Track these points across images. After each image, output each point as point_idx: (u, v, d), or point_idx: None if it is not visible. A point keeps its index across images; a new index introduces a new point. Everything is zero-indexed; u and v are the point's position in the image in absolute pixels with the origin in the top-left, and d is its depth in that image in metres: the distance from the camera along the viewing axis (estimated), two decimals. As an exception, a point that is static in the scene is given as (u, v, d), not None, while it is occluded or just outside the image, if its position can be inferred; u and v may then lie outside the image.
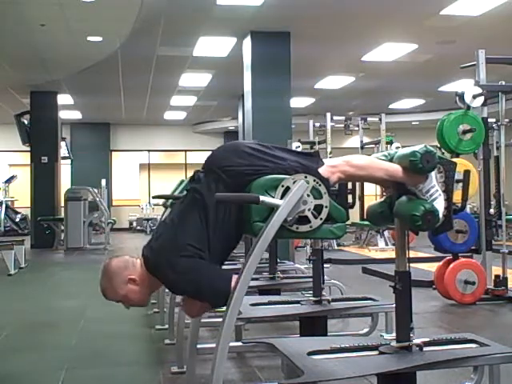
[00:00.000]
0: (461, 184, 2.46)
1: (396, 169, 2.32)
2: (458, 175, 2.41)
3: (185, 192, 2.44)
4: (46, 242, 11.86)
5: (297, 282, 4.72)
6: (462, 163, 4.68)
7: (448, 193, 2.31)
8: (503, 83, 5.64)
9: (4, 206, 15.70)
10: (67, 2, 6.73)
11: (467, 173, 2.46)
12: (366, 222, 9.70)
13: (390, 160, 2.40)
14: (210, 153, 2.35)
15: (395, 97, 13.89)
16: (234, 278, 2.14)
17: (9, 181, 16.33)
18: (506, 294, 5.38)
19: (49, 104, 12.48)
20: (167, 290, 4.23)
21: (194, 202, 2.27)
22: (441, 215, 2.26)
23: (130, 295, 2.35)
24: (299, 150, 9.25)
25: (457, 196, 2.41)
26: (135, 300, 2.37)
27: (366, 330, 3.89)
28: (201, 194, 2.25)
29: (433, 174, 2.30)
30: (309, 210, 2.10)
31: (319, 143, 11.16)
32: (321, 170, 2.24)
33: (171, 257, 2.18)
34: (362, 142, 11.64)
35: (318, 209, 2.12)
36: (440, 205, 2.27)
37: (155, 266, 2.23)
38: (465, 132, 5.20)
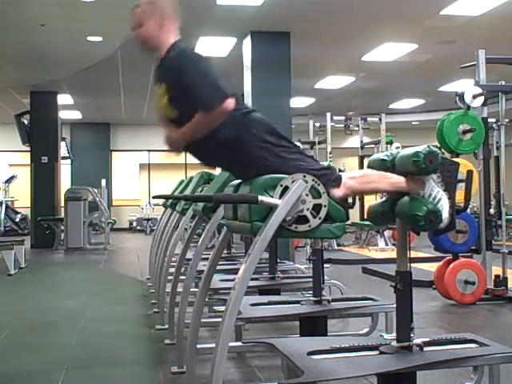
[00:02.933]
0: (463, 184, 2.46)
1: (399, 180, 2.34)
2: (461, 175, 2.42)
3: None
4: (46, 241, 11.85)
5: (297, 281, 4.72)
6: (462, 163, 4.67)
7: (449, 192, 2.31)
8: (503, 83, 5.64)
9: (4, 206, 15.70)
10: (67, 1, 6.73)
11: (470, 173, 2.46)
12: (366, 222, 9.72)
13: (392, 160, 2.41)
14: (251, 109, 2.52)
15: (395, 97, 13.88)
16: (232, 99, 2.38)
17: (9, 181, 16.32)
18: (506, 294, 5.38)
19: (49, 104, 12.47)
20: (167, 291, 4.23)
21: None
22: (447, 214, 2.26)
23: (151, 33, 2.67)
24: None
25: (459, 196, 2.41)
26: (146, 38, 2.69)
27: (366, 330, 3.88)
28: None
29: (429, 176, 2.32)
30: (307, 209, 2.10)
31: (319, 143, 11.18)
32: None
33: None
34: (362, 141, 11.65)
35: (316, 208, 2.12)
36: (445, 205, 2.28)
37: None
38: (465, 132, 5.21)
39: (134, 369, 3.64)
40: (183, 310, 3.28)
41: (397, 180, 2.35)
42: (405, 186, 2.33)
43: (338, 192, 2.29)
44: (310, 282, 3.64)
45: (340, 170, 2.93)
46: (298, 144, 9.86)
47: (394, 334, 2.38)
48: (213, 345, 2.06)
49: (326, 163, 2.61)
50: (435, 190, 2.30)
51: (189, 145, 2.58)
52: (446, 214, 2.27)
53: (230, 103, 2.39)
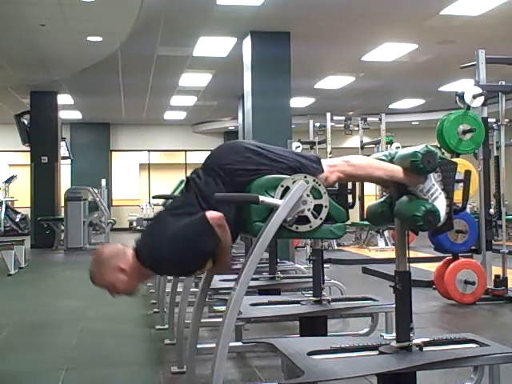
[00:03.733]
0: (461, 184, 2.46)
1: (395, 169, 2.32)
2: (459, 175, 2.42)
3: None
4: (46, 241, 11.86)
5: (297, 282, 4.72)
6: (462, 163, 4.68)
7: (448, 192, 2.31)
8: (503, 83, 5.64)
9: (4, 205, 15.69)
10: (67, 2, 6.73)
11: (468, 173, 2.46)
12: (366, 222, 9.71)
13: (391, 160, 2.40)
14: (210, 152, 2.35)
15: (395, 97, 13.89)
16: (209, 213, 2.10)
17: (9, 181, 16.32)
18: (506, 293, 5.38)
19: (49, 104, 12.47)
20: (167, 290, 4.24)
21: (189, 190, 2.28)
22: (443, 214, 2.26)
23: (118, 284, 2.30)
24: (299, 150, 9.26)
25: (457, 196, 2.41)
26: (122, 289, 2.32)
27: (366, 330, 3.88)
28: (197, 185, 2.24)
29: (431, 173, 2.31)
30: (308, 209, 2.10)
31: (319, 143, 11.16)
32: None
33: (159, 241, 2.16)
34: (362, 141, 11.64)
35: (317, 209, 2.12)
36: (441, 203, 2.28)
37: (146, 256, 2.20)
38: (465, 132, 5.21)
39: (134, 369, 3.64)
40: (183, 310, 3.28)
41: (393, 169, 2.33)
42: (402, 176, 2.30)
43: (332, 177, 2.27)
44: (310, 282, 3.64)
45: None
46: (298, 144, 9.86)
47: (394, 334, 2.38)
48: (213, 345, 2.06)
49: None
50: (434, 188, 2.30)
51: None
52: (442, 213, 2.27)
53: (216, 216, 2.12)
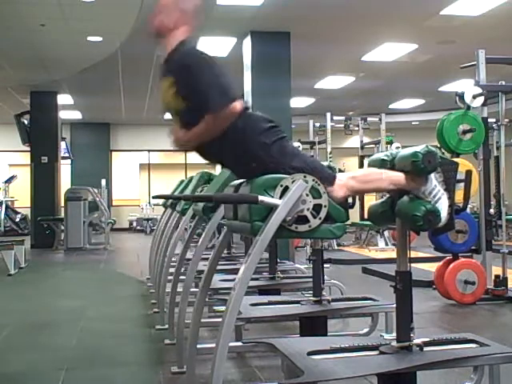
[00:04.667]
0: (462, 184, 2.46)
1: (399, 177, 2.34)
2: (460, 175, 2.42)
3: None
4: (46, 241, 11.85)
5: (297, 282, 4.72)
6: (462, 163, 4.68)
7: (449, 192, 2.32)
8: (503, 83, 5.64)
9: (4, 206, 15.69)
10: (67, 2, 6.73)
11: (469, 173, 2.46)
12: (366, 222, 9.72)
13: (392, 160, 2.41)
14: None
15: (395, 97, 13.88)
16: (239, 102, 2.44)
17: (9, 181, 16.31)
18: (506, 293, 5.38)
19: (49, 104, 12.46)
20: (167, 290, 4.23)
21: None
22: (445, 214, 2.26)
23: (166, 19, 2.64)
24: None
25: (458, 196, 2.41)
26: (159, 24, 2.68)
27: (366, 330, 3.88)
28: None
29: (432, 174, 2.32)
30: (308, 209, 2.10)
31: (319, 143, 11.17)
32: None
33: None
34: (361, 141, 11.64)
35: (317, 208, 2.12)
36: (444, 204, 2.28)
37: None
38: (465, 132, 5.21)
39: (134, 369, 3.64)
40: (183, 310, 3.28)
41: (397, 178, 2.35)
42: (405, 184, 2.33)
43: (339, 192, 2.31)
44: (310, 282, 3.64)
45: (340, 170, 2.92)
46: (298, 144, 9.87)
47: (394, 334, 2.38)
48: (213, 345, 2.06)
49: (326, 163, 2.62)
50: (436, 189, 2.31)
51: (195, 145, 2.60)
52: (444, 214, 2.27)
53: (238, 105, 2.44)
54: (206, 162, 2.78)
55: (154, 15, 2.69)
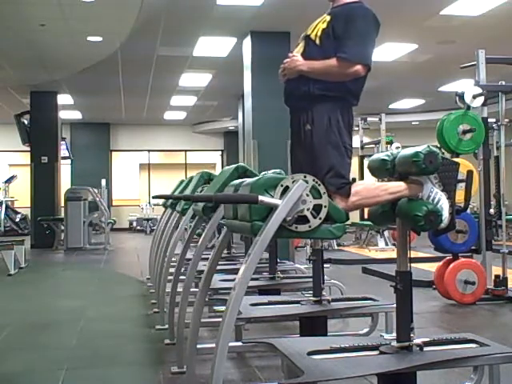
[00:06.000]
0: (462, 184, 2.46)
1: (397, 188, 2.37)
2: (461, 175, 2.42)
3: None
4: (46, 241, 11.85)
5: (297, 282, 4.72)
6: (462, 163, 4.67)
7: (449, 192, 2.32)
8: (503, 83, 5.64)
9: (4, 206, 15.69)
10: (67, 1, 6.73)
11: (470, 173, 2.46)
12: (366, 222, 9.71)
13: (393, 160, 2.42)
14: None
15: (395, 97, 13.88)
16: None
17: (9, 181, 16.31)
18: (506, 293, 5.38)
19: (49, 104, 12.46)
20: (167, 290, 4.23)
21: None
22: (447, 214, 2.27)
23: None
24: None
25: (459, 196, 2.41)
26: None
27: (365, 330, 3.88)
28: None
29: (426, 178, 2.33)
30: (308, 209, 2.10)
31: (319, 143, 11.14)
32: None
33: None
34: (362, 141, 11.64)
35: (317, 208, 2.12)
36: (445, 205, 2.29)
37: None
38: (465, 132, 5.21)
39: (134, 369, 3.64)
40: (183, 310, 3.28)
41: (396, 189, 2.38)
42: (405, 194, 2.36)
43: (340, 204, 2.41)
44: (310, 282, 3.64)
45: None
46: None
47: (394, 334, 2.38)
48: (213, 345, 2.06)
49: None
50: (433, 192, 2.31)
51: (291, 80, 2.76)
52: (446, 214, 2.27)
53: (362, 70, 2.63)
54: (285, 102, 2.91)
55: None
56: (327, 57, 2.64)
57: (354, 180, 2.73)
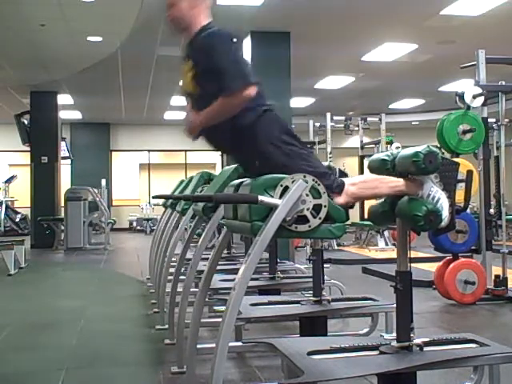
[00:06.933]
0: (462, 184, 2.46)
1: (397, 183, 2.36)
2: (461, 175, 2.42)
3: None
4: (46, 241, 11.85)
5: (297, 282, 4.72)
6: (462, 163, 4.67)
7: (449, 191, 2.32)
8: (503, 83, 5.64)
9: (4, 205, 15.69)
10: (67, 1, 6.73)
11: (470, 173, 2.46)
12: (366, 222, 9.70)
13: (393, 160, 2.42)
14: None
15: (395, 97, 13.88)
16: (253, 88, 2.49)
17: (9, 181, 16.31)
18: (506, 293, 5.38)
19: (49, 104, 12.46)
20: (167, 290, 4.23)
21: None
22: (447, 213, 2.27)
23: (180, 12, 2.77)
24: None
25: (459, 196, 2.41)
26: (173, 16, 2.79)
27: (366, 330, 3.88)
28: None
29: (427, 177, 2.33)
30: (308, 209, 2.10)
31: (319, 143, 11.17)
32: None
33: None
34: (361, 141, 11.65)
35: (316, 208, 2.12)
36: (445, 204, 2.29)
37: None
38: (465, 132, 5.21)
39: (134, 369, 3.64)
40: (183, 310, 3.28)
41: (396, 184, 2.37)
42: (404, 189, 2.34)
43: (340, 199, 2.34)
44: (310, 282, 3.64)
45: (341, 172, 2.93)
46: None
47: (394, 334, 2.38)
48: (213, 345, 2.06)
49: (326, 163, 2.65)
50: (434, 190, 2.31)
51: (204, 128, 2.66)
52: (446, 213, 2.27)
53: (252, 90, 2.49)
54: (209, 146, 2.83)
55: (168, 11, 2.81)
56: (213, 94, 2.51)
57: (345, 174, 2.70)
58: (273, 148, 2.47)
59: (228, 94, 2.47)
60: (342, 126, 10.99)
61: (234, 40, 2.60)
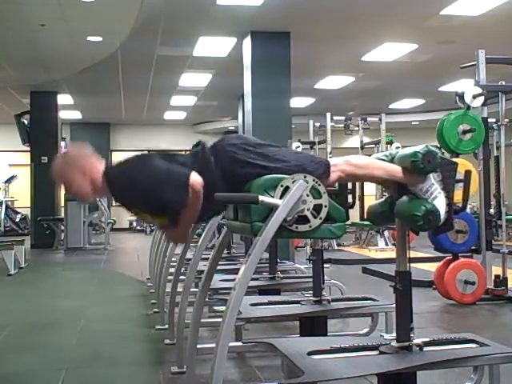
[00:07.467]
0: (461, 184, 2.46)
1: (396, 169, 2.33)
2: (459, 175, 2.42)
3: None
4: (46, 241, 11.85)
5: (297, 282, 4.72)
6: (462, 163, 4.68)
7: (448, 191, 2.32)
8: (503, 83, 5.64)
9: (4, 205, 15.69)
10: (67, 1, 6.73)
11: (468, 173, 2.46)
12: (366, 222, 9.68)
13: (391, 160, 2.41)
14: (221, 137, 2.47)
15: (395, 97, 13.88)
16: (193, 174, 2.23)
17: (9, 181, 16.31)
18: (506, 293, 5.38)
19: (49, 104, 12.47)
20: (167, 290, 4.24)
21: (192, 155, 2.47)
22: (443, 213, 2.26)
23: (75, 185, 2.47)
24: (299, 150, 9.24)
25: (457, 196, 2.41)
26: (76, 192, 2.48)
27: (366, 330, 3.88)
28: (201, 155, 2.41)
29: (430, 174, 2.32)
30: (308, 209, 2.10)
31: (319, 143, 11.16)
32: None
33: (137, 169, 2.38)
34: (362, 141, 11.64)
35: (317, 208, 2.13)
36: (441, 203, 2.28)
37: (115, 175, 2.42)
38: (465, 132, 5.21)
39: (134, 369, 3.64)
40: (183, 310, 3.28)
41: (393, 168, 2.34)
42: (401, 176, 2.32)
43: (332, 175, 2.30)
44: (310, 282, 3.64)
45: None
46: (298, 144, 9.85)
47: (394, 334, 2.38)
48: (213, 345, 2.06)
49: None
50: (433, 187, 2.30)
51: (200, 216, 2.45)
52: (442, 212, 2.27)
53: (196, 181, 2.24)
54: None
55: (70, 191, 2.55)
56: (174, 212, 2.31)
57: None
58: (242, 169, 2.29)
59: (182, 208, 2.26)
60: (342, 126, 10.98)
61: (141, 160, 2.47)
